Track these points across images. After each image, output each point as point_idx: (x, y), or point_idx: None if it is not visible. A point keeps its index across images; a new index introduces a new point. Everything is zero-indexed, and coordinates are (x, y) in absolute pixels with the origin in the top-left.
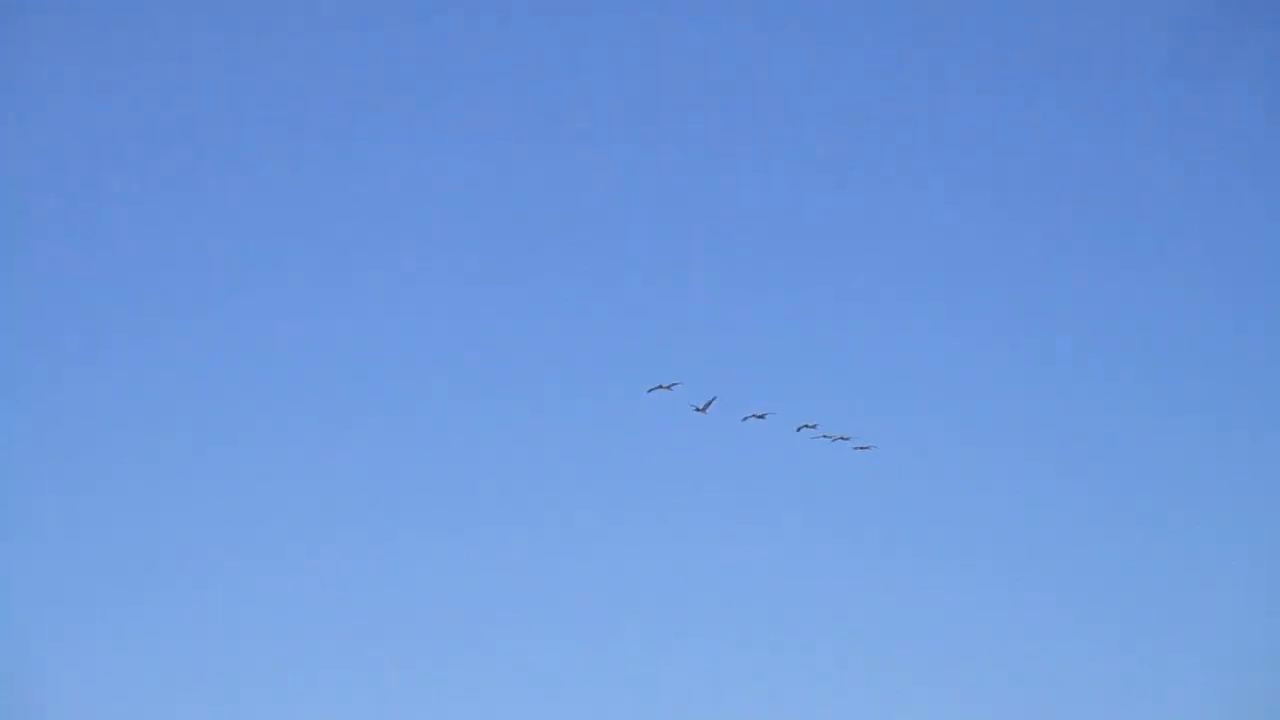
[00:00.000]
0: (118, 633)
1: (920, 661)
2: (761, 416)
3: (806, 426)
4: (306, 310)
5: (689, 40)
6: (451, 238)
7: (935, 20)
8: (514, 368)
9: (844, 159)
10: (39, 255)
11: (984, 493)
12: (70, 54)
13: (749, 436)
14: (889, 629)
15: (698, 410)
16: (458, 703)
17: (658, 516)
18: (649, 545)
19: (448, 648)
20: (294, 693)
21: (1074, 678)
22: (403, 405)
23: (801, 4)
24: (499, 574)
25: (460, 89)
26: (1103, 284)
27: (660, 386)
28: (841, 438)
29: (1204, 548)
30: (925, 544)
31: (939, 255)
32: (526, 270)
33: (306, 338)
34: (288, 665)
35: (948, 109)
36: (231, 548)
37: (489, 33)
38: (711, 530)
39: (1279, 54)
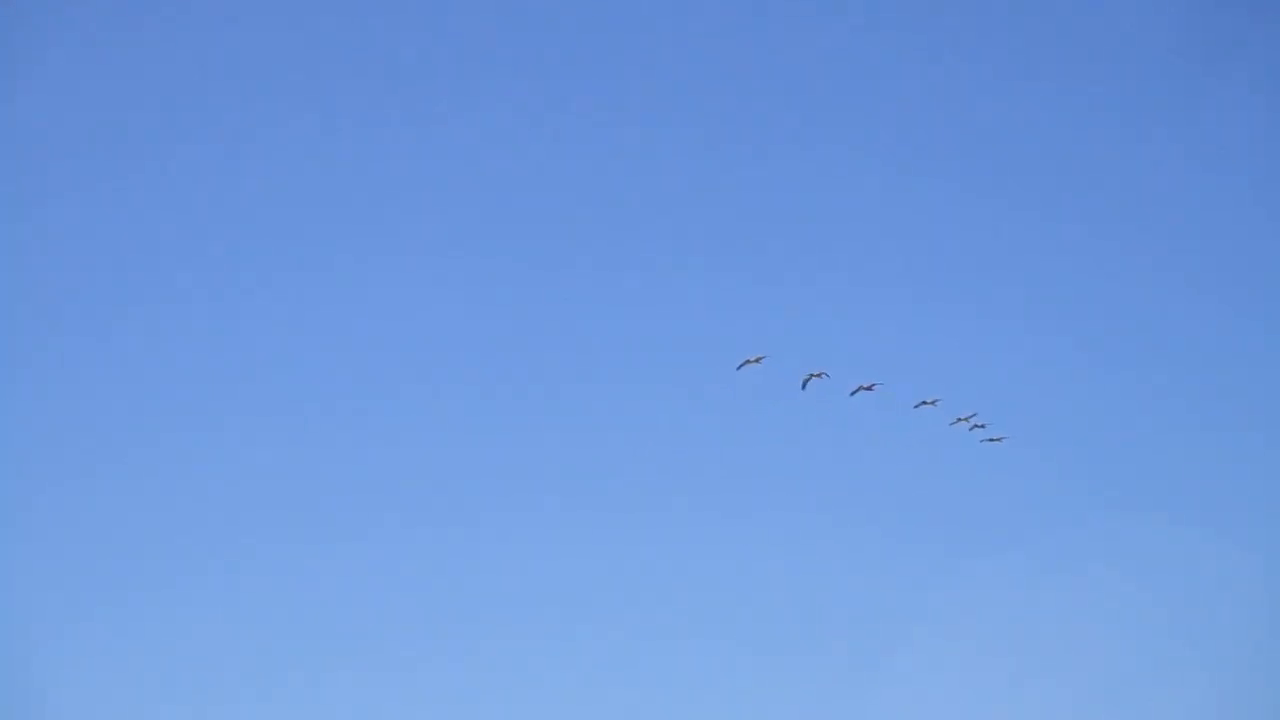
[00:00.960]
0: (111, 628)
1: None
2: (870, 388)
3: (926, 404)
4: (311, 305)
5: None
6: (472, 230)
7: (942, 16)
8: (541, 361)
9: (850, 150)
10: (34, 250)
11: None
12: (65, 45)
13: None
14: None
15: (813, 377)
16: (475, 698)
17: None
18: (738, 543)
19: (467, 641)
20: (292, 688)
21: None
22: (405, 401)
23: None
24: (510, 572)
25: (472, 80)
26: (1117, 280)
27: (749, 361)
28: (978, 424)
29: (1209, 546)
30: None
31: (937, 247)
32: (549, 261)
33: (309, 333)
34: (285, 659)
35: (977, 102)
36: (231, 541)
37: (505, 25)
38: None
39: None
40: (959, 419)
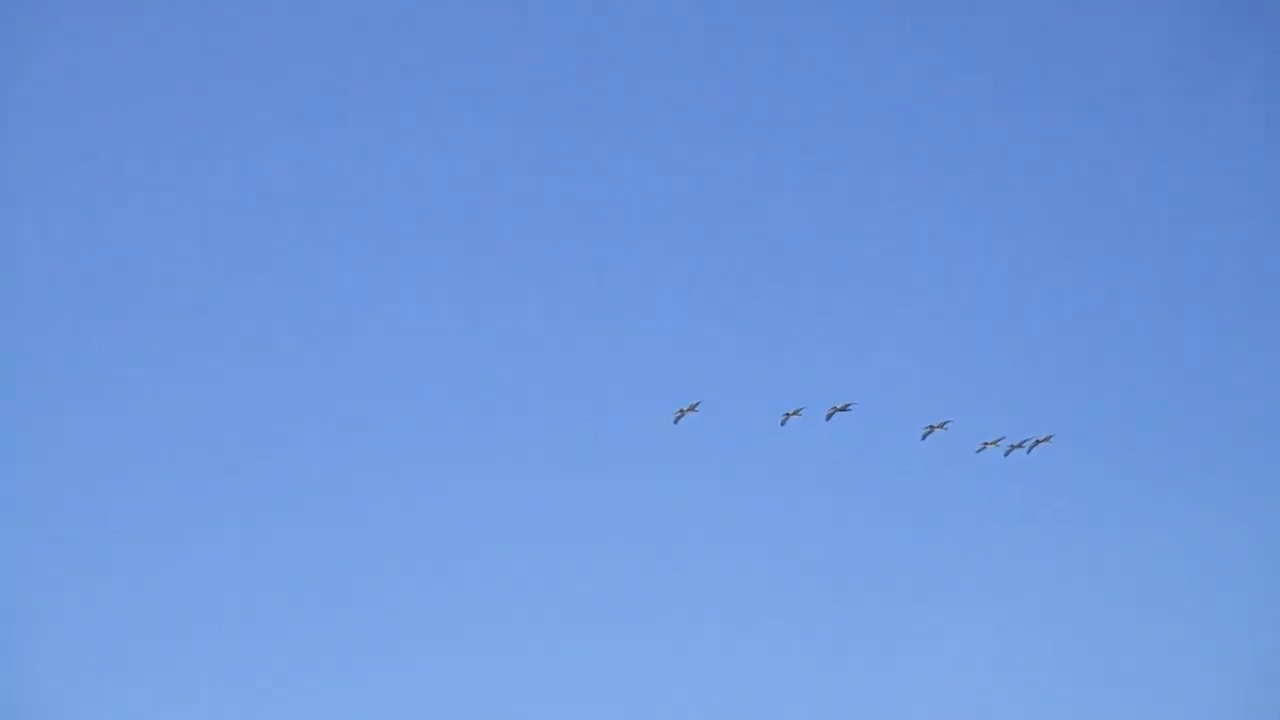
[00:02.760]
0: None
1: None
2: (845, 408)
3: (934, 429)
4: (305, 305)
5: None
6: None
7: (939, 21)
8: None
9: (846, 156)
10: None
11: None
12: (64, 46)
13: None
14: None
15: (787, 416)
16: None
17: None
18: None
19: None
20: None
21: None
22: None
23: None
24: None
25: (465, 83)
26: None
27: (683, 411)
28: (1014, 445)
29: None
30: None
31: (928, 253)
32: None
33: (304, 332)
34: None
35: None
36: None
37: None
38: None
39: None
40: (985, 444)
